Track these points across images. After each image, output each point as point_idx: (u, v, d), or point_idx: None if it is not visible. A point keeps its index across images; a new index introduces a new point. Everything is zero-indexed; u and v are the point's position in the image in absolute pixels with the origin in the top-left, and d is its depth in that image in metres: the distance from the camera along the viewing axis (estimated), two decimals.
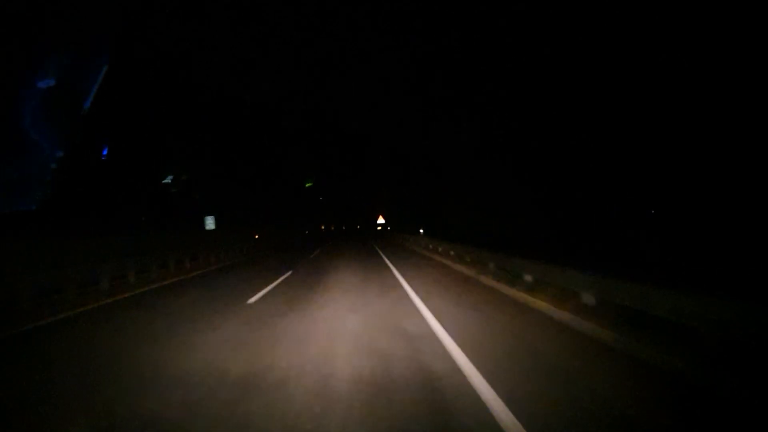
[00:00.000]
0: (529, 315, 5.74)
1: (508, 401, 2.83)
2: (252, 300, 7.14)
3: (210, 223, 25.09)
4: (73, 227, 17.34)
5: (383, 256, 15.74)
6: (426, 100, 31.77)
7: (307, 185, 60.32)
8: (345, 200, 67.33)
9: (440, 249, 15.00)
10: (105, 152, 25.38)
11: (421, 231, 22.30)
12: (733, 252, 12.74)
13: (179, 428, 2.63)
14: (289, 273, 10.95)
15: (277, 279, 9.72)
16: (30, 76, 21.14)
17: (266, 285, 8.75)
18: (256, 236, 26.11)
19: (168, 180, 31.06)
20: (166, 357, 4.04)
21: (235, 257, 16.16)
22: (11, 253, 8.53)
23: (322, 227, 60.81)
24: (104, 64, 23.28)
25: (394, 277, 9.90)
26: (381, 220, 42.54)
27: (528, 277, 7.17)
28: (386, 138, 46.94)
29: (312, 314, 5.93)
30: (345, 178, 65.54)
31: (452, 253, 13.27)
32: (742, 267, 10.09)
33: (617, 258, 11.87)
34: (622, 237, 17.66)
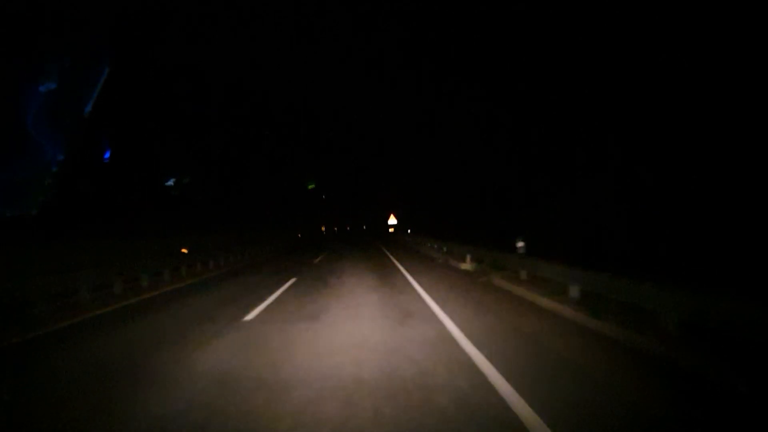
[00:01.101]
0: None
1: None
2: None
3: None
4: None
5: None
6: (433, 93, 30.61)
7: (310, 187, 59.17)
8: (348, 197, 64.65)
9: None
10: (107, 155, 25.37)
11: (521, 244, 11.12)
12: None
13: None
14: None
15: None
16: (31, 79, 21.17)
17: None
18: (184, 251, 15.74)
19: (170, 183, 30.97)
20: None
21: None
22: None
23: (323, 228, 57.96)
24: (105, 67, 23.30)
25: None
26: (392, 220, 38.39)
27: None
28: (398, 137, 45.50)
29: None
30: (349, 174, 63.17)
31: None
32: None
33: None
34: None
